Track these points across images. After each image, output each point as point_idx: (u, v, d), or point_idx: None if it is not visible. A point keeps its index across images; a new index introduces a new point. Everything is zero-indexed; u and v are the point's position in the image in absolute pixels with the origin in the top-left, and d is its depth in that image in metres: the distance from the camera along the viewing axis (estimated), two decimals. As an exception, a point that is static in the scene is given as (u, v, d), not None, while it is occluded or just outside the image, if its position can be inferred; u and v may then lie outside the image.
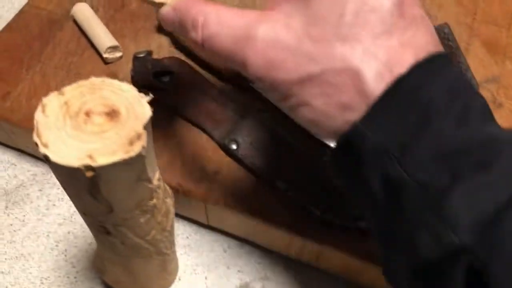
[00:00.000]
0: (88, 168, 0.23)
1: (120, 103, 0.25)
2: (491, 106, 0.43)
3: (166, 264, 0.38)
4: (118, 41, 0.45)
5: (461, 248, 0.20)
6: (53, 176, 0.46)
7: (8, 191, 0.45)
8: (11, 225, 0.43)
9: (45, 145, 0.23)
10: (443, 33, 0.42)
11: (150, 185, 0.28)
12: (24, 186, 0.45)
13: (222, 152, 0.40)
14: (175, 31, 0.28)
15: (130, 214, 0.29)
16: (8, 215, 0.44)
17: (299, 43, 0.23)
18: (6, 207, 0.44)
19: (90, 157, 0.23)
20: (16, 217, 0.44)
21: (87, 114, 0.25)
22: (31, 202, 0.44)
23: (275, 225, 0.38)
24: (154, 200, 0.30)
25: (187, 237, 0.44)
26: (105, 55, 0.44)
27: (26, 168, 0.46)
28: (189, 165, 0.39)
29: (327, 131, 0.24)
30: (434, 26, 0.44)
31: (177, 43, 0.45)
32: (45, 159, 0.23)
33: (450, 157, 0.21)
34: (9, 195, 0.45)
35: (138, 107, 0.25)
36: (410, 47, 0.22)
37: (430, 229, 0.21)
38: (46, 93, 0.25)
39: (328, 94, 0.23)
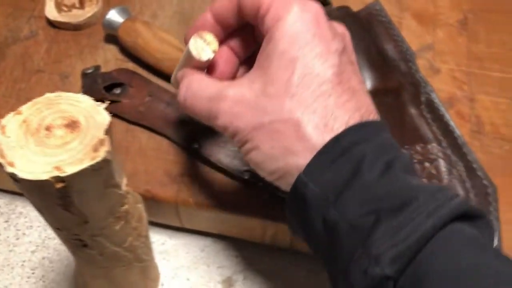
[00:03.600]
0: (57, 179, 0.23)
1: (78, 114, 0.26)
2: (430, 72, 0.46)
3: (147, 271, 0.38)
4: (65, 62, 0.45)
5: (385, 278, 0.24)
6: (18, 205, 0.46)
7: (-26, 228, 0.44)
8: (-18, 261, 0.43)
9: (11, 164, 0.23)
10: (375, 10, 0.44)
11: (119, 191, 0.29)
12: (-11, 220, 0.44)
13: (186, 154, 0.41)
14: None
15: (105, 222, 0.29)
16: (-23, 251, 0.43)
17: (257, 99, 0.28)
18: (-26, 244, 0.43)
19: (58, 168, 0.23)
20: (-14, 253, 0.43)
21: (48, 128, 0.25)
22: (-1, 234, 0.44)
23: (246, 216, 0.39)
24: (126, 206, 0.30)
25: (163, 243, 0.44)
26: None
27: (-12, 202, 0.45)
28: (154, 171, 0.40)
29: (270, 170, 0.29)
30: (367, 4, 0.47)
31: (125, 52, 0.46)
32: (13, 179, 0.24)
33: (373, 202, 0.25)
34: (-25, 232, 0.44)
35: (97, 115, 0.26)
36: (345, 108, 0.28)
37: (359, 262, 0.25)
38: (-1, 122, 0.25)
39: (274, 139, 0.28)
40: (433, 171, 0.39)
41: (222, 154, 0.40)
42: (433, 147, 0.40)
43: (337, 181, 0.26)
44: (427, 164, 0.39)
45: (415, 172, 0.29)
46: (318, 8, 0.29)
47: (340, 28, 0.31)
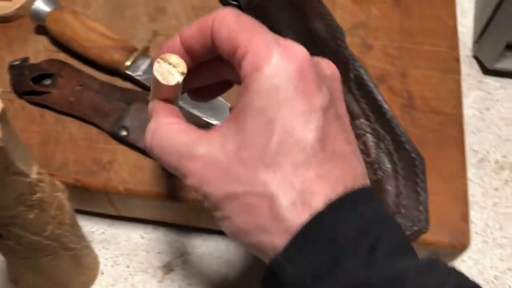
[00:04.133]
0: None
1: (-30, 102, 0.25)
2: (363, 49, 0.46)
3: (79, 259, 0.38)
4: (-6, 55, 0.44)
5: None
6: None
7: None
8: None
9: None
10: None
11: (27, 179, 0.29)
12: None
13: (115, 141, 0.41)
14: None
15: (14, 211, 0.29)
16: None
17: (230, 164, 0.25)
18: None
19: None
20: None
21: None
22: None
23: (178, 202, 0.39)
24: (39, 195, 0.30)
25: (103, 232, 0.44)
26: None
27: None
28: (84, 160, 0.40)
29: (245, 244, 0.26)
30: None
31: (55, 42, 0.45)
32: None
33: None
34: None
35: (-10, 103, 0.26)
36: (327, 179, 0.24)
37: None
38: None
39: (247, 213, 0.24)
40: (361, 146, 0.39)
41: (151, 140, 0.40)
42: (361, 122, 0.41)
43: (316, 267, 0.23)
44: (356, 140, 0.40)
45: (408, 246, 0.25)
46: (303, 53, 0.25)
47: (328, 68, 0.27)
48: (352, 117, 0.40)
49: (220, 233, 0.44)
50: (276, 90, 0.24)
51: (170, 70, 0.27)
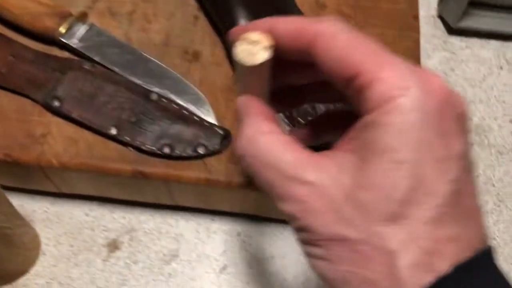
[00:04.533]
0: None
1: None
2: (315, 8, 0.43)
3: (12, 239, 0.36)
4: None
5: None
6: None
7: None
8: None
9: None
10: None
11: None
12: None
13: (50, 114, 0.38)
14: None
15: None
16: None
17: (344, 202, 0.21)
18: None
19: None
20: None
21: None
22: None
23: (116, 175, 0.37)
24: None
25: (45, 211, 0.42)
26: None
27: None
28: (15, 134, 0.37)
29: None
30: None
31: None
32: None
33: None
34: None
35: None
36: (458, 240, 0.21)
37: None
38: None
39: (355, 263, 0.21)
40: (309, 109, 0.37)
41: (85, 110, 0.37)
42: (310, 84, 0.38)
43: None
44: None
45: None
46: (443, 86, 0.21)
47: (462, 105, 0.22)
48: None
49: (168, 207, 0.41)
50: (412, 128, 0.20)
51: (252, 50, 0.23)
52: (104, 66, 0.39)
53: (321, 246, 0.22)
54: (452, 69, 0.49)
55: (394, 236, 0.20)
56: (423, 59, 0.49)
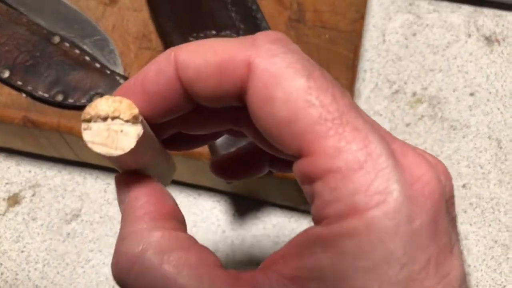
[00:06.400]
0: None
1: None
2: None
3: None
4: None
5: None
6: None
7: None
8: None
9: None
10: None
11: None
12: None
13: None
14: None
15: None
16: None
17: None
18: None
19: None
20: None
21: None
22: None
23: (11, 121, 0.33)
24: None
25: (-50, 159, 0.39)
26: None
27: None
28: None
29: None
30: None
31: None
32: None
33: None
34: None
35: None
36: None
37: None
38: None
39: None
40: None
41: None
42: (227, 34, 0.34)
43: None
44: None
45: None
46: (435, 183, 0.15)
47: (450, 189, 0.16)
48: (219, 27, 0.34)
49: (78, 164, 0.38)
50: (390, 255, 0.13)
51: (111, 133, 0.16)
52: (8, 5, 0.36)
53: None
54: (414, 34, 0.44)
55: None
56: (383, 21, 0.44)
